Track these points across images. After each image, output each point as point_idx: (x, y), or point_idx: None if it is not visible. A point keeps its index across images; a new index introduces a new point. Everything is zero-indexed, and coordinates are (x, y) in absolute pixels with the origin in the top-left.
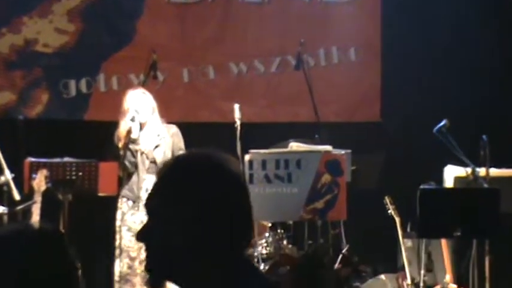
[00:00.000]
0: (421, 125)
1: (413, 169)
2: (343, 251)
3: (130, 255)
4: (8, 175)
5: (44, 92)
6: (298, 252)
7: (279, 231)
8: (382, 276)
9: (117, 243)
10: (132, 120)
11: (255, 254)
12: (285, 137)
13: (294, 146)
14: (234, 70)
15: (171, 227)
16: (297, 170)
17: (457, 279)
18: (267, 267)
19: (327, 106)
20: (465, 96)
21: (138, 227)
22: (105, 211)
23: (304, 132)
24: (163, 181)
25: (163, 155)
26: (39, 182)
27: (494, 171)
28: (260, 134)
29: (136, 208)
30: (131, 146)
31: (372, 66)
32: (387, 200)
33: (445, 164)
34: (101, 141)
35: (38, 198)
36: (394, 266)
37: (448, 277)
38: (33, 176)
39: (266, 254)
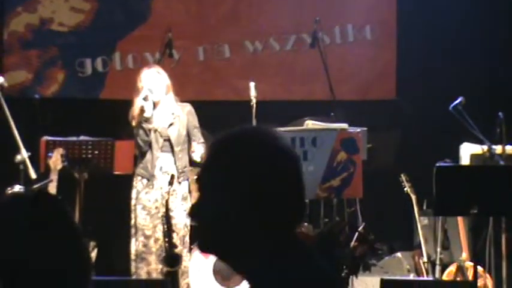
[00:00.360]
0: (437, 102)
1: (430, 147)
2: (359, 229)
3: (145, 234)
4: (24, 154)
5: (59, 71)
6: (314, 230)
7: None
8: (398, 254)
9: (132, 222)
10: (145, 99)
11: None
12: (300, 115)
13: (310, 123)
14: (249, 48)
15: (222, 202)
16: (312, 148)
17: (473, 257)
18: None
19: (342, 84)
20: (481, 73)
21: (152, 205)
22: (121, 189)
23: (320, 110)
24: (215, 156)
25: (177, 133)
26: (56, 160)
27: (510, 149)
28: (275, 112)
29: (150, 186)
30: (144, 125)
31: (387, 44)
32: (403, 177)
33: (461, 142)
34: (116, 119)
35: (54, 176)
36: (410, 244)
37: (464, 255)
38: (49, 154)
39: None
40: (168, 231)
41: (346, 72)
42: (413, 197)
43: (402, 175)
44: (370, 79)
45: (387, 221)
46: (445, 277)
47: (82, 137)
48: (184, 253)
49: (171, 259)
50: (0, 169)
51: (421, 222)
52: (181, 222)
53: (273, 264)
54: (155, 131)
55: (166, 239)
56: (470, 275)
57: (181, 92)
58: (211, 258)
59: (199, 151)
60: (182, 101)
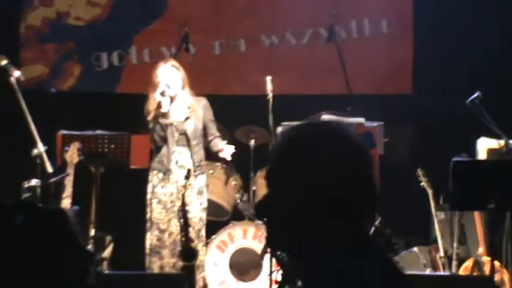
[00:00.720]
0: (454, 97)
1: (446, 141)
2: (376, 223)
3: (160, 228)
4: (41, 148)
5: (76, 64)
6: None
7: None
8: (415, 249)
9: (147, 216)
10: (162, 94)
11: None
12: (316, 109)
13: (326, 118)
14: (265, 42)
15: (294, 200)
16: None
17: (490, 252)
18: None
19: (359, 78)
20: (498, 67)
21: (167, 199)
22: (137, 183)
23: (336, 105)
24: (283, 153)
25: (193, 127)
26: (72, 154)
27: None
28: (292, 106)
29: (166, 180)
30: (161, 120)
31: (404, 39)
32: (420, 172)
33: (478, 136)
34: (132, 113)
35: (70, 170)
36: (426, 239)
37: (481, 249)
38: (66, 148)
39: None
40: (184, 226)
41: (363, 66)
42: (429, 192)
43: (419, 170)
44: (387, 73)
45: (404, 215)
46: (461, 272)
47: (98, 131)
48: (200, 247)
49: (187, 253)
50: (17, 163)
51: (438, 217)
52: (197, 216)
53: (349, 258)
54: (171, 124)
55: (182, 233)
56: (487, 269)
57: (198, 86)
58: (228, 253)
59: (229, 149)
60: (198, 95)
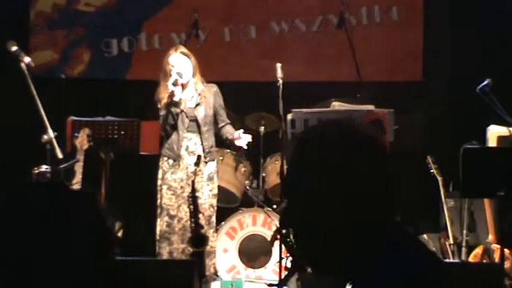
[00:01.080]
0: (464, 84)
1: (456, 128)
2: None
3: (169, 214)
4: (50, 134)
5: (85, 51)
6: None
7: None
8: (425, 236)
9: (158, 202)
10: (175, 84)
11: None
12: (326, 96)
13: (337, 105)
14: (275, 29)
15: (318, 206)
16: None
17: (499, 239)
18: None
19: (369, 65)
20: (509, 54)
21: (177, 185)
22: (146, 170)
23: (346, 92)
24: (301, 158)
25: (204, 113)
26: (82, 140)
27: None
28: (302, 93)
29: (176, 167)
30: (173, 109)
31: (414, 26)
32: (429, 159)
33: (488, 124)
34: (142, 100)
35: (80, 156)
36: (436, 226)
37: (491, 237)
38: (76, 134)
39: None
40: (194, 212)
41: (373, 53)
42: (439, 179)
43: (428, 157)
44: (397, 60)
45: (413, 203)
46: (471, 259)
47: (108, 117)
48: (211, 233)
49: (197, 240)
50: (27, 149)
51: (447, 204)
52: (207, 203)
53: (392, 253)
54: (181, 111)
55: (192, 220)
56: (496, 257)
57: (207, 73)
58: (237, 239)
59: (246, 138)
60: (208, 81)
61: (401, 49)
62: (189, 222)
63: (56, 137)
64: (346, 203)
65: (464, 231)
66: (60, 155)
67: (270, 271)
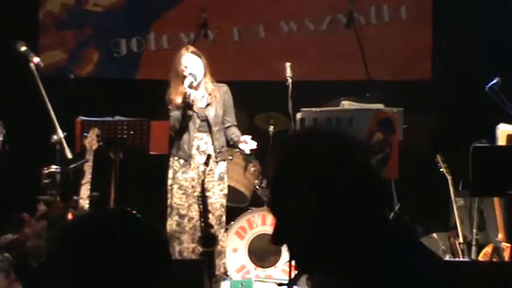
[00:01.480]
0: (473, 82)
1: (465, 127)
2: (395, 209)
3: (180, 213)
4: (60, 134)
5: (94, 51)
6: None
7: None
8: (434, 235)
9: (168, 202)
10: (190, 87)
11: None
12: (336, 95)
13: (346, 104)
14: (284, 29)
15: (312, 218)
16: (348, 128)
17: (509, 238)
18: None
19: (378, 64)
20: None
21: (188, 184)
22: (156, 170)
23: (355, 91)
24: (282, 176)
25: (215, 113)
26: (91, 140)
27: None
28: (311, 92)
29: (187, 166)
30: (188, 112)
31: (423, 25)
32: (439, 158)
33: (497, 122)
34: (151, 100)
35: (89, 156)
36: (446, 225)
37: (501, 236)
38: (85, 134)
39: None
40: (204, 212)
41: (382, 52)
42: (449, 178)
43: (438, 156)
44: (406, 59)
45: (423, 201)
46: (480, 258)
47: (117, 117)
48: (221, 233)
49: (207, 239)
50: (36, 149)
51: (457, 203)
52: (218, 202)
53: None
54: (193, 111)
55: (202, 219)
56: (506, 255)
57: (216, 73)
58: (247, 239)
59: (251, 144)
60: (216, 81)
61: (411, 48)
62: (199, 222)
63: (65, 137)
64: (339, 216)
65: (474, 230)
66: (69, 155)
67: (280, 270)
